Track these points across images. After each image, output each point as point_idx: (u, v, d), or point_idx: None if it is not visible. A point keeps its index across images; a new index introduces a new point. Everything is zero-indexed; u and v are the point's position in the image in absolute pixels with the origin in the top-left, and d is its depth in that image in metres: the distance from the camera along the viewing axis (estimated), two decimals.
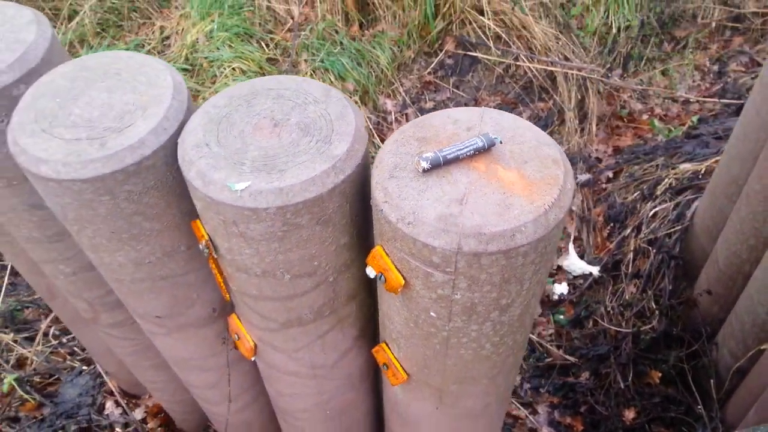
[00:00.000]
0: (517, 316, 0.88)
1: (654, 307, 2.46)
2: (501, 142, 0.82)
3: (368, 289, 1.03)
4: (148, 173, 0.87)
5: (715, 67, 3.44)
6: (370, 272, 0.87)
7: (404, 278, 0.83)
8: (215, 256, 0.94)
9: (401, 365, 1.02)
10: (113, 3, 2.99)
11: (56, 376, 2.07)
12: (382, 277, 0.85)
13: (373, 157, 0.84)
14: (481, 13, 3.29)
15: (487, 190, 0.78)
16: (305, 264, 0.88)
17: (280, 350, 1.06)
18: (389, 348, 1.03)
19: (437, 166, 0.79)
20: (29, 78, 0.95)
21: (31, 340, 2.21)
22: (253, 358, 1.14)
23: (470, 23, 3.32)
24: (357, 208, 0.88)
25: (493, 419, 1.15)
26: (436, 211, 0.76)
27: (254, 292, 0.94)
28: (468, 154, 0.80)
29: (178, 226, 0.96)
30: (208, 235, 0.90)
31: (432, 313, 0.86)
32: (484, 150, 0.81)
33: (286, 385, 1.16)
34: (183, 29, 2.98)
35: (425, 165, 0.79)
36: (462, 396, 1.03)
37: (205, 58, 2.90)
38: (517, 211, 0.75)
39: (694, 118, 3.10)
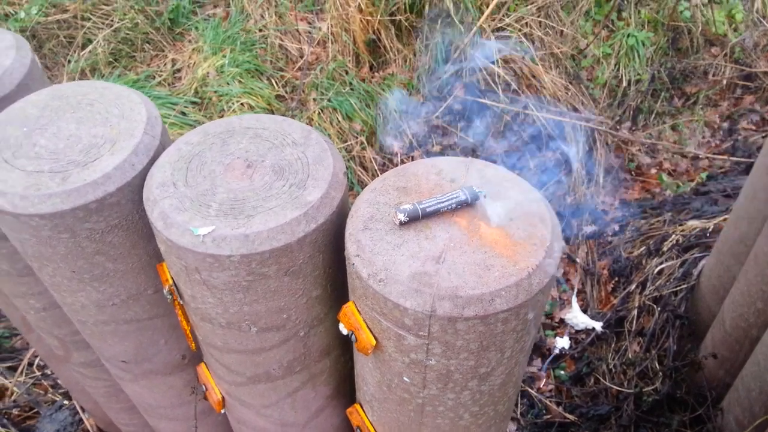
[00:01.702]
0: (499, 385, 0.80)
1: (657, 367, 2.35)
2: (486, 197, 0.76)
3: (344, 345, 0.96)
4: (112, 211, 0.81)
5: (726, 125, 3.39)
6: (343, 329, 0.80)
7: (376, 339, 0.76)
8: (180, 303, 0.87)
9: (375, 430, 0.93)
10: (127, 34, 3.00)
11: (35, 410, 1.99)
12: (353, 336, 0.78)
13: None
14: (491, 60, 3.27)
15: (468, 248, 0.71)
16: (273, 317, 0.81)
17: (248, 405, 0.98)
18: (363, 410, 0.94)
19: (415, 219, 0.73)
20: (2, 104, 0.90)
21: (14, 369, 2.14)
22: (222, 411, 1.06)
23: (481, 70, 3.30)
24: (331, 260, 0.81)
25: None
26: (411, 269, 0.69)
27: (219, 343, 0.87)
28: (450, 207, 0.74)
29: (144, 269, 0.89)
30: (172, 279, 0.84)
31: (405, 378, 0.78)
32: (468, 204, 0.75)
33: None
34: (195, 63, 2.98)
35: (402, 217, 0.72)
36: None
37: (215, 92, 2.88)
38: (497, 273, 0.68)
39: (703, 175, 3.03)
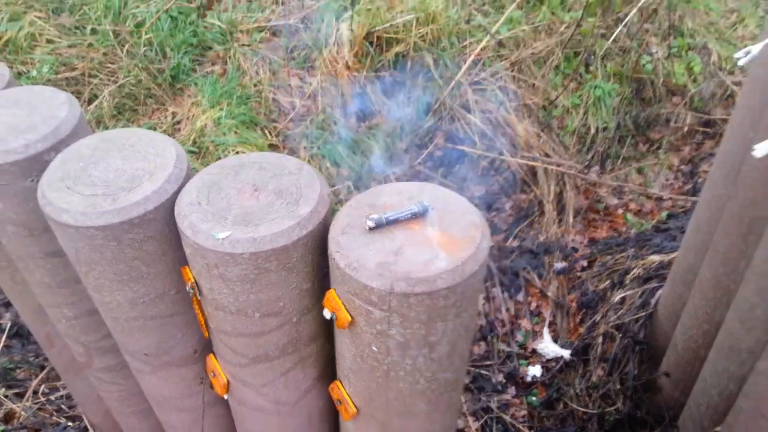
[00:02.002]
0: (446, 354, 1.06)
1: (619, 389, 2.59)
2: (433, 209, 1.03)
3: (328, 335, 1.21)
4: (149, 225, 1.08)
5: (687, 168, 3.72)
6: (326, 313, 1.06)
7: (351, 316, 1.02)
8: (199, 298, 1.13)
9: (351, 400, 1.18)
10: (131, 89, 3.32)
11: (41, 431, 2.19)
12: (334, 315, 1.04)
13: None
14: (469, 111, 3.62)
15: (418, 245, 0.98)
16: (272, 304, 1.07)
17: (249, 385, 1.22)
18: (342, 385, 1.20)
19: (381, 225, 1.00)
20: (59, 146, 1.18)
21: (20, 396, 2.35)
22: (225, 396, 1.30)
23: (459, 120, 3.64)
24: (318, 259, 1.08)
25: None
26: (376, 260, 0.96)
27: (229, 328, 1.12)
28: (406, 217, 1.01)
29: (170, 273, 1.16)
30: (194, 278, 1.10)
31: (374, 348, 1.04)
32: (420, 215, 1.02)
33: (253, 422, 1.32)
34: (193, 115, 3.29)
35: (371, 224, 1.00)
36: (403, 431, 1.19)
37: (212, 141, 3.19)
38: (440, 262, 0.95)
39: (664, 214, 3.34)
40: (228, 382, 1.27)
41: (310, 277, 1.08)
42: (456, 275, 0.95)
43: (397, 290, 0.94)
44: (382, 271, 0.95)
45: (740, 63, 1.46)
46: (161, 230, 1.10)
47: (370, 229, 1.00)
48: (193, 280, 1.11)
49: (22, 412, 2.28)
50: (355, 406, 1.18)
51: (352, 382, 1.15)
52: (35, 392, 2.41)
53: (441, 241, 0.99)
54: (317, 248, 1.07)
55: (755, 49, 1.42)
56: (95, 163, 1.13)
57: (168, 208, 1.09)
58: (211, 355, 1.28)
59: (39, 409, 2.33)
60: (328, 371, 1.26)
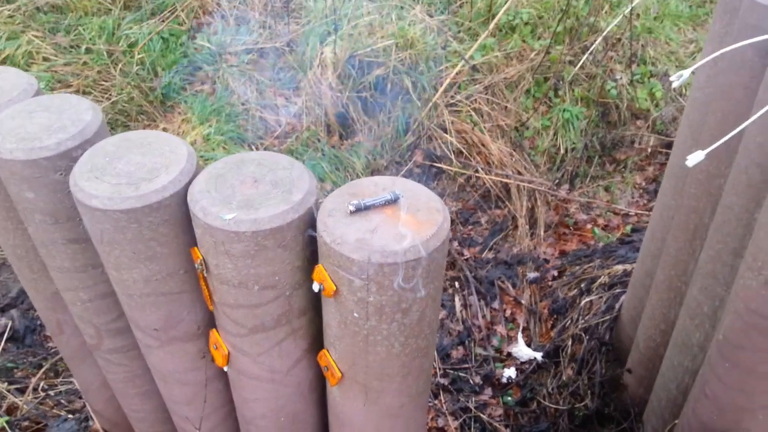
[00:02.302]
0: (416, 320, 1.29)
1: (587, 386, 2.82)
2: (403, 197, 1.27)
3: (317, 309, 1.43)
4: (166, 210, 1.30)
5: (651, 186, 4.01)
6: (315, 286, 1.29)
7: (336, 285, 1.24)
8: (205, 275, 1.35)
9: (337, 366, 1.40)
10: (124, 106, 3.55)
11: (43, 422, 2.36)
12: (322, 286, 1.26)
13: None
14: (445, 131, 3.88)
15: (391, 226, 1.21)
16: (269, 278, 1.30)
17: (247, 354, 1.44)
18: (329, 353, 1.41)
19: (360, 210, 1.24)
20: (85, 145, 1.40)
21: (21, 392, 2.52)
22: (226, 368, 1.51)
23: (436, 139, 3.91)
24: (308, 240, 1.31)
25: (408, 421, 1.51)
26: (356, 236, 1.19)
27: (231, 300, 1.34)
28: (381, 203, 1.25)
29: (180, 253, 1.38)
30: (202, 256, 1.32)
31: (355, 314, 1.26)
32: (392, 202, 1.26)
33: (250, 390, 1.52)
34: (183, 131, 3.52)
35: (352, 208, 1.23)
36: (382, 393, 1.40)
37: (201, 156, 3.41)
38: (409, 239, 1.19)
39: (628, 228, 3.61)
40: (228, 353, 1.47)
41: (301, 255, 1.31)
42: (422, 249, 1.18)
43: (374, 261, 1.17)
44: (361, 246, 1.17)
45: (674, 85, 1.72)
46: (175, 215, 1.32)
47: (351, 212, 1.23)
48: (201, 258, 1.32)
49: (24, 406, 2.44)
50: (340, 371, 1.39)
51: (338, 348, 1.37)
52: (35, 388, 2.58)
53: (409, 222, 1.22)
54: (306, 229, 1.29)
55: (686, 72, 1.68)
56: (119, 158, 1.35)
57: (181, 196, 1.31)
58: (214, 330, 1.49)
59: (39, 403, 2.50)
60: (316, 344, 1.48)
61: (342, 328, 1.32)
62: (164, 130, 3.59)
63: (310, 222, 1.29)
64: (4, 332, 2.76)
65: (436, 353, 3.10)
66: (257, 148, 3.58)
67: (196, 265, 1.34)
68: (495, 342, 3.28)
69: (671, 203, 2.49)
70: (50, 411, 2.42)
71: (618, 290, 3.06)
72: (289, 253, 1.29)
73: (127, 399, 1.88)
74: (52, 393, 2.52)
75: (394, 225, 1.22)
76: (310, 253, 1.33)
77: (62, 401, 2.46)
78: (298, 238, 1.28)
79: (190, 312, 1.49)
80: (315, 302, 1.40)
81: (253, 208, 1.24)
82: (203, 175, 1.32)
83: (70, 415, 2.36)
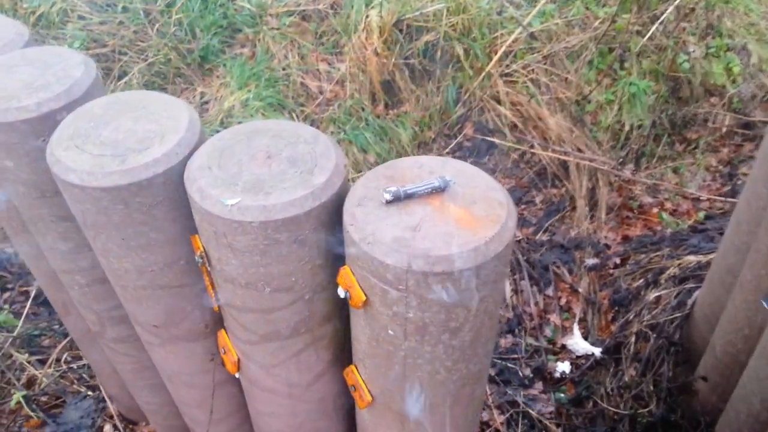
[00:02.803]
0: (469, 342, 0.99)
1: (652, 390, 2.48)
2: (455, 185, 0.96)
3: (343, 316, 1.14)
4: (158, 189, 1.02)
5: (726, 169, 3.57)
6: (341, 291, 1.00)
7: (366, 295, 0.95)
8: (208, 269, 1.07)
9: (367, 386, 1.11)
10: (160, 68, 3.30)
11: (62, 398, 2.18)
12: (348, 294, 0.97)
13: None
14: (499, 102, 3.52)
15: (438, 222, 0.91)
16: (283, 279, 1.01)
17: (260, 365, 1.17)
18: (357, 370, 1.13)
19: (398, 199, 0.93)
20: (72, 106, 1.13)
21: (43, 363, 2.34)
22: (237, 375, 1.25)
23: (489, 111, 3.54)
24: (332, 234, 1.01)
25: None
26: (393, 234, 0.89)
27: (239, 303, 1.07)
28: (426, 191, 0.94)
29: (179, 241, 1.10)
30: (203, 246, 1.05)
31: (390, 331, 0.97)
32: (440, 190, 0.95)
33: (264, 403, 1.26)
34: (221, 96, 3.26)
35: (388, 197, 0.92)
36: (421, 425, 1.11)
37: (239, 122, 3.15)
38: (461, 240, 0.88)
39: (701, 215, 3.20)
40: (239, 359, 1.21)
41: (323, 252, 1.02)
42: (478, 255, 0.88)
43: (415, 268, 0.87)
44: (399, 247, 0.87)
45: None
46: (171, 196, 1.04)
47: (387, 202, 0.93)
48: (202, 249, 1.05)
49: (44, 379, 2.27)
50: (371, 394, 1.11)
51: (368, 367, 1.08)
52: (58, 360, 2.40)
53: (463, 218, 0.91)
54: (331, 221, 1.00)
55: None
56: (106, 123, 1.07)
57: (178, 173, 1.03)
58: (223, 331, 1.23)
59: (60, 376, 2.32)
60: (343, 355, 1.20)
61: (373, 345, 1.03)
62: (202, 94, 3.33)
63: (335, 211, 1.00)
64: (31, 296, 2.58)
65: None
66: (298, 116, 3.29)
67: (197, 258, 1.06)
68: (548, 332, 2.95)
69: (763, 192, 2.09)
70: (70, 386, 2.23)
71: (690, 285, 2.68)
72: (308, 250, 1.00)
73: (137, 390, 1.65)
74: (75, 366, 2.33)
75: (442, 221, 0.91)
76: (336, 249, 1.04)
77: (84, 375, 2.27)
78: (319, 232, 0.99)
79: (195, 308, 1.22)
80: (342, 307, 1.12)
81: (263, 192, 0.95)
82: (205, 148, 1.03)
83: (90, 392, 2.17)
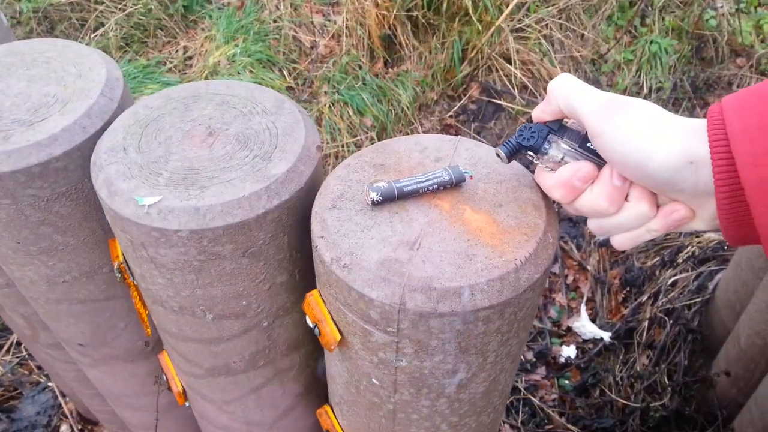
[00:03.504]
0: (481, 393, 0.70)
1: (666, 382, 2.21)
2: (472, 178, 0.65)
3: (317, 340, 0.85)
4: (59, 177, 0.72)
5: None
6: (309, 322, 0.70)
7: (341, 333, 0.65)
8: (134, 282, 0.78)
9: None
10: (140, 19, 2.94)
11: (19, 390, 1.92)
12: (317, 329, 0.68)
13: None
14: (509, 61, 3.16)
15: (448, 234, 0.60)
16: (231, 303, 0.71)
17: (209, 400, 0.88)
18: (333, 413, 0.84)
19: (390, 199, 0.63)
20: None
21: (0, 348, 2.07)
22: (186, 404, 0.97)
23: (497, 70, 3.19)
24: (298, 242, 0.71)
25: None
26: (380, 254, 0.59)
27: (174, 330, 0.77)
28: (431, 188, 0.63)
29: (98, 244, 0.80)
30: (123, 256, 0.75)
31: (374, 380, 0.68)
32: (451, 186, 0.64)
33: None
34: (206, 51, 2.90)
35: (375, 197, 0.62)
36: None
37: None
38: (480, 265, 0.58)
39: None
40: (184, 390, 0.92)
41: (286, 266, 0.72)
42: (505, 287, 0.57)
43: (411, 306, 0.57)
44: (389, 275, 0.57)
45: None
46: (77, 185, 0.74)
47: (374, 203, 0.62)
48: (122, 259, 0.75)
49: (0, 368, 2.00)
50: None
51: (345, 414, 0.79)
52: (18, 344, 2.13)
53: (483, 229, 0.61)
54: (297, 226, 0.70)
55: None
56: None
57: (87, 153, 0.72)
58: (164, 353, 0.94)
59: (19, 363, 2.05)
60: (317, 387, 0.91)
61: (352, 392, 0.74)
62: (185, 48, 2.97)
63: (302, 212, 0.69)
64: None
65: None
66: (290, 73, 2.95)
67: (114, 270, 0.76)
68: (553, 313, 2.68)
69: None
70: (29, 376, 1.97)
71: (712, 266, 2.39)
72: (265, 265, 0.69)
73: (86, 399, 1.38)
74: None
75: (453, 234, 0.61)
76: (306, 261, 0.74)
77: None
78: (280, 241, 0.69)
79: (129, 324, 0.93)
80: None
81: (197, 186, 0.64)
82: (123, 120, 0.72)
83: (49, 383, 1.91)
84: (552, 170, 0.61)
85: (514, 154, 0.61)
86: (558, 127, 0.59)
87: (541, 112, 0.60)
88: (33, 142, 0.69)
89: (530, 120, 0.63)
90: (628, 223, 0.56)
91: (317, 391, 0.92)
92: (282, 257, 0.70)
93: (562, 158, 0.60)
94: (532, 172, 0.66)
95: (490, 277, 0.57)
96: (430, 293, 0.57)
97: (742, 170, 0.44)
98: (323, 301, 0.66)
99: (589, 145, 0.57)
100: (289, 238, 0.69)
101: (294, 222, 0.69)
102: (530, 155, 0.62)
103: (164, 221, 0.62)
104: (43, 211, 0.74)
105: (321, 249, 0.61)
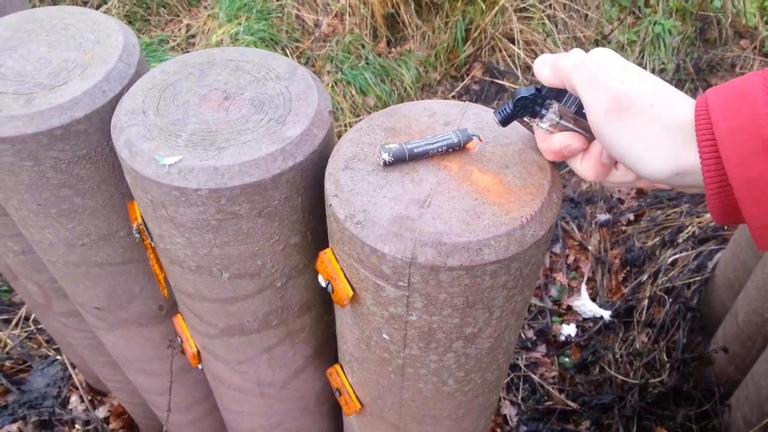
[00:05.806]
0: (487, 349, 0.73)
1: (665, 359, 2.26)
2: (481, 140, 0.68)
3: (327, 303, 0.89)
4: (79, 140, 0.74)
5: None
6: (321, 280, 0.73)
7: (353, 289, 0.69)
8: (152, 244, 0.81)
9: (354, 393, 0.86)
10: None
11: (28, 363, 1.95)
12: (330, 286, 0.71)
13: None
14: (512, 41, 3.17)
15: (456, 193, 0.63)
16: (246, 262, 0.75)
17: (223, 360, 0.91)
18: (343, 371, 0.88)
19: (401, 160, 0.65)
20: None
21: (9, 322, 2.11)
22: (199, 366, 1.00)
23: (500, 51, 3.20)
24: (311, 204, 0.74)
25: None
26: (392, 212, 0.62)
27: (191, 289, 0.80)
28: (440, 150, 0.66)
29: (116, 208, 0.83)
30: (141, 217, 0.78)
31: (384, 335, 0.71)
32: (460, 148, 0.67)
33: (232, 400, 1.01)
34: (209, 29, 2.91)
35: (387, 157, 0.65)
36: None
37: None
38: (487, 222, 0.61)
39: None
40: (198, 351, 0.96)
41: (299, 227, 0.75)
42: (512, 243, 0.61)
43: (422, 261, 0.60)
44: (400, 230, 0.60)
45: None
46: (98, 148, 0.77)
47: (386, 164, 0.65)
48: (140, 221, 0.78)
49: (9, 341, 2.04)
50: (360, 402, 0.86)
51: (356, 371, 0.83)
52: (26, 318, 2.16)
53: (491, 189, 0.64)
54: (310, 188, 0.73)
55: None
56: (12, 48, 0.78)
57: (106, 117, 0.75)
58: (178, 316, 0.97)
59: (28, 337, 2.09)
60: (326, 349, 0.95)
61: (363, 349, 0.77)
62: (188, 27, 2.98)
63: (316, 173, 0.72)
64: None
65: None
66: (292, 52, 2.96)
67: (134, 232, 0.79)
68: (553, 292, 2.72)
69: None
70: (37, 349, 2.01)
71: (712, 246, 2.42)
72: (279, 225, 0.73)
73: (97, 367, 1.42)
74: (43, 325, 2.10)
75: (462, 192, 0.64)
76: (318, 223, 0.77)
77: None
78: (294, 202, 0.72)
79: (144, 288, 0.96)
80: (325, 292, 0.86)
81: (215, 147, 0.67)
82: (142, 84, 0.75)
83: (59, 357, 1.95)
84: (550, 132, 0.64)
85: (509, 119, 0.65)
86: (557, 92, 0.62)
87: (551, 77, 0.61)
88: (55, 105, 0.72)
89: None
90: (614, 184, 0.62)
91: (327, 354, 0.96)
92: (295, 218, 0.73)
93: (559, 121, 0.63)
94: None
95: (497, 233, 0.60)
96: (440, 248, 0.60)
97: (729, 170, 0.47)
98: (336, 258, 0.69)
99: (584, 111, 0.59)
100: (303, 200, 0.72)
101: (307, 184, 0.72)
102: (526, 119, 0.65)
103: (184, 180, 0.65)
104: (64, 173, 0.76)
105: (335, 207, 0.64)
